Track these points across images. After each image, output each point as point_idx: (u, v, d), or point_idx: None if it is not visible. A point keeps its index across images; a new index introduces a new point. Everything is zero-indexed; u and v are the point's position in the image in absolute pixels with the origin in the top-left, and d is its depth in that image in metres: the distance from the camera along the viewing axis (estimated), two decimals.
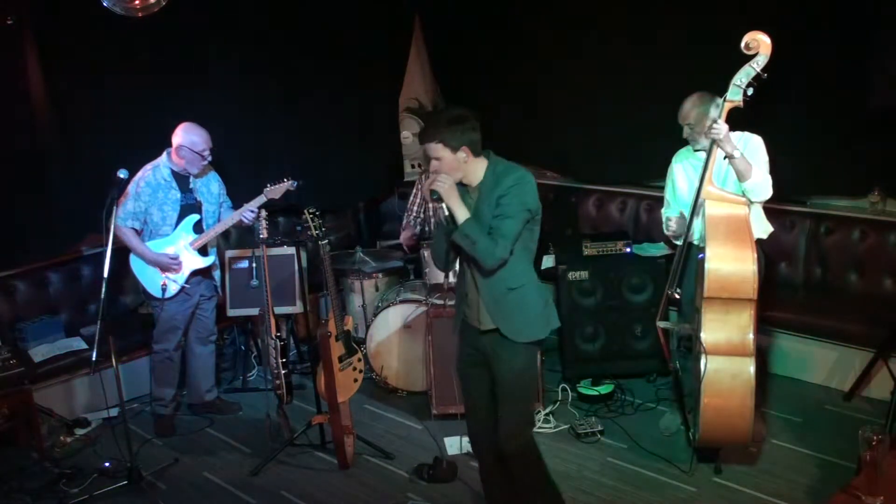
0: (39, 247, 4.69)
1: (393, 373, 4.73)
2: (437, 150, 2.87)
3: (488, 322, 2.98)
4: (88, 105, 4.61)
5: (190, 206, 4.28)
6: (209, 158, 4.21)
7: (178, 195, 4.23)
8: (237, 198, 4.42)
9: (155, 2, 3.50)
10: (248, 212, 4.25)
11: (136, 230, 4.20)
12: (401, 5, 6.15)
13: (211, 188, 4.37)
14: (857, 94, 4.41)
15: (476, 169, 2.94)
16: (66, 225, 4.71)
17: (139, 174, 4.19)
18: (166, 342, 4.36)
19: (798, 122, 4.58)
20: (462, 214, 2.86)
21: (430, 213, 5.09)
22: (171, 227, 4.24)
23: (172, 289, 4.23)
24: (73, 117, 4.62)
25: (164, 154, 4.23)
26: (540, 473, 3.17)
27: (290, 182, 4.24)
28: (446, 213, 2.90)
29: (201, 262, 4.32)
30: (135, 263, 4.26)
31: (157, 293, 4.21)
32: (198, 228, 4.30)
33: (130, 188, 4.15)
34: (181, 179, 4.25)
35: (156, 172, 4.20)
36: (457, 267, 3.14)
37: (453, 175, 2.89)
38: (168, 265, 4.21)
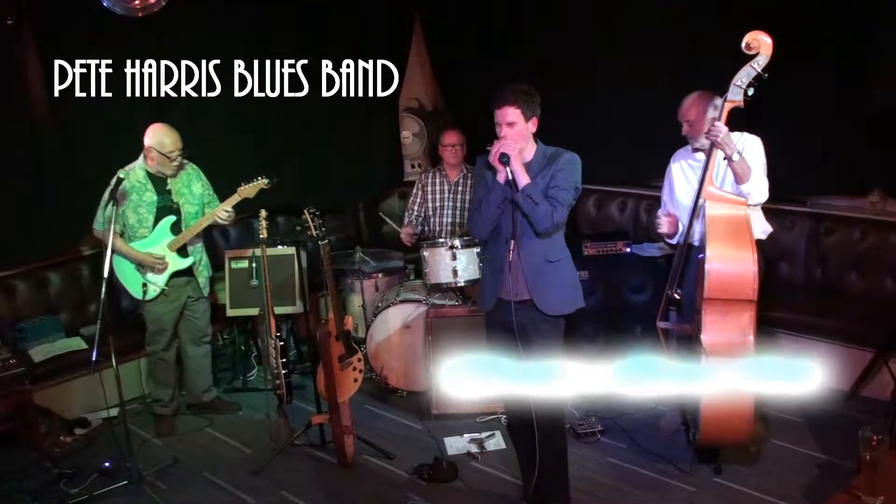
0: (39, 247, 4.69)
1: (393, 373, 4.73)
2: (514, 115, 3.10)
3: (523, 293, 3.18)
4: (88, 105, 4.60)
5: (167, 207, 4.23)
6: (177, 161, 4.15)
7: (155, 197, 4.19)
8: None
9: (155, 2, 3.51)
10: (222, 212, 4.22)
11: (117, 233, 4.16)
12: (401, 5, 6.15)
13: (192, 189, 4.31)
14: (857, 95, 4.40)
15: (530, 146, 3.20)
16: (66, 225, 4.71)
17: (115, 176, 4.16)
18: (155, 344, 4.37)
19: (798, 122, 4.58)
20: (525, 178, 3.08)
21: (434, 206, 5.10)
22: (149, 229, 4.20)
23: (153, 291, 4.22)
24: (73, 117, 4.62)
25: (141, 156, 4.21)
26: (562, 453, 3.41)
27: (264, 180, 4.21)
28: (509, 176, 3.06)
29: (180, 264, 4.28)
30: (117, 265, 4.23)
31: (138, 295, 4.20)
32: (175, 230, 4.25)
33: (106, 191, 4.13)
34: (157, 181, 4.21)
35: (130, 174, 4.15)
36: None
37: (518, 143, 3.11)
38: (153, 264, 4.19)
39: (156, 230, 4.22)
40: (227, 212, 4.23)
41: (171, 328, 4.39)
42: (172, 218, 4.24)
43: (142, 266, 4.21)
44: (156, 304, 4.28)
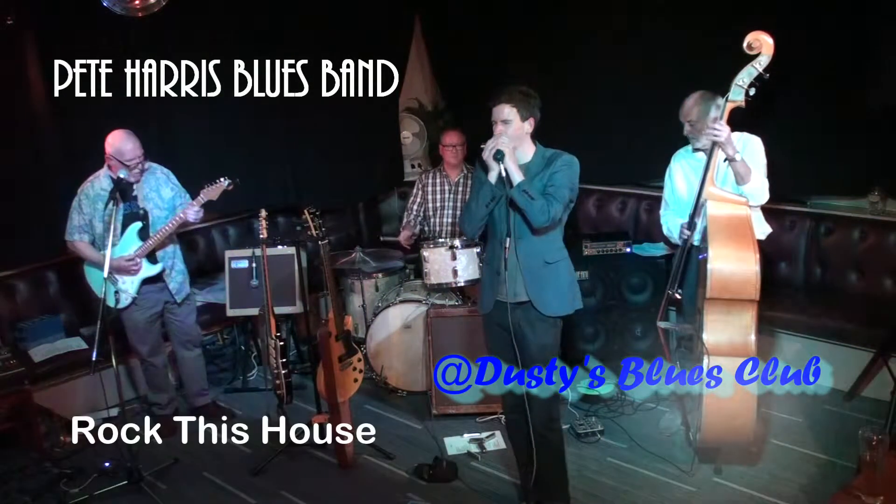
0: (39, 247, 4.69)
1: (393, 373, 4.73)
2: (509, 113, 3.11)
3: (522, 294, 3.18)
4: (88, 105, 4.60)
5: (133, 214, 4.17)
6: (136, 168, 4.08)
7: (121, 204, 4.11)
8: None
9: (155, 2, 3.50)
10: (192, 210, 4.13)
11: (88, 242, 4.15)
12: (401, 5, 6.16)
13: (161, 193, 4.24)
14: (857, 94, 4.41)
15: (528, 147, 3.20)
16: (66, 225, 4.70)
17: (81, 186, 4.14)
18: (139, 350, 4.36)
19: (798, 122, 4.58)
20: (519, 175, 3.07)
21: (434, 206, 5.10)
22: (117, 236, 4.12)
23: (125, 299, 4.17)
24: (73, 117, 4.62)
25: (106, 164, 4.16)
26: (559, 451, 3.41)
27: (226, 181, 4.16)
28: (503, 174, 3.06)
29: (150, 270, 4.23)
30: (89, 274, 4.21)
31: (111, 303, 4.09)
32: (143, 235, 4.19)
33: (73, 202, 4.12)
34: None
35: (95, 183, 4.11)
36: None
37: (514, 142, 3.11)
38: (127, 268, 4.14)
39: (124, 237, 4.15)
40: (197, 210, 4.15)
41: (153, 335, 4.35)
42: (139, 224, 4.18)
43: (115, 273, 4.13)
44: (131, 312, 4.25)
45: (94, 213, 4.12)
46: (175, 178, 4.35)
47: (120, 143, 4.05)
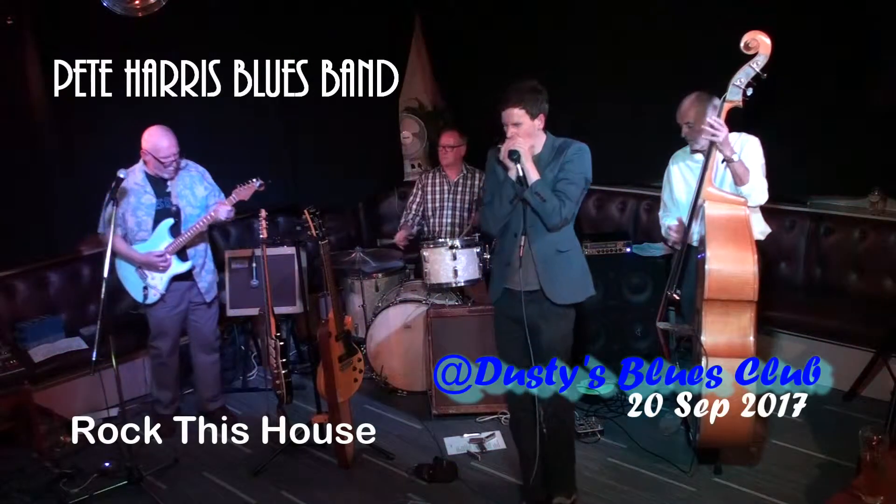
0: (39, 247, 4.69)
1: (393, 373, 4.73)
2: (519, 115, 3.14)
3: (533, 283, 3.19)
4: (88, 105, 4.61)
5: (166, 210, 4.17)
6: (171, 165, 4.09)
7: (153, 199, 4.14)
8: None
9: (155, 2, 3.51)
10: (223, 209, 4.14)
11: (120, 236, 4.14)
12: (401, 5, 6.16)
13: (195, 191, 4.25)
14: (857, 95, 4.41)
15: (540, 139, 3.24)
16: (66, 225, 4.71)
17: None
18: (158, 346, 4.35)
19: (798, 122, 4.58)
20: (535, 175, 3.11)
21: (434, 206, 5.10)
22: (148, 231, 4.15)
23: (153, 295, 4.18)
24: (73, 117, 4.62)
25: (142, 159, 4.17)
26: (571, 438, 3.47)
27: (257, 182, 4.18)
28: (520, 173, 3.09)
29: (180, 268, 4.22)
30: (120, 268, 4.21)
31: (139, 298, 4.16)
32: (175, 232, 4.19)
33: (107, 195, 4.11)
34: (157, 183, 4.15)
35: (129, 177, 4.10)
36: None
37: (527, 141, 3.14)
38: (156, 263, 4.14)
39: (155, 233, 4.18)
40: (229, 209, 4.17)
41: (175, 332, 4.36)
42: (171, 220, 4.19)
43: (144, 268, 4.18)
44: (157, 309, 4.26)
45: (126, 206, 4.12)
46: (210, 177, 4.35)
47: (157, 139, 4.06)
